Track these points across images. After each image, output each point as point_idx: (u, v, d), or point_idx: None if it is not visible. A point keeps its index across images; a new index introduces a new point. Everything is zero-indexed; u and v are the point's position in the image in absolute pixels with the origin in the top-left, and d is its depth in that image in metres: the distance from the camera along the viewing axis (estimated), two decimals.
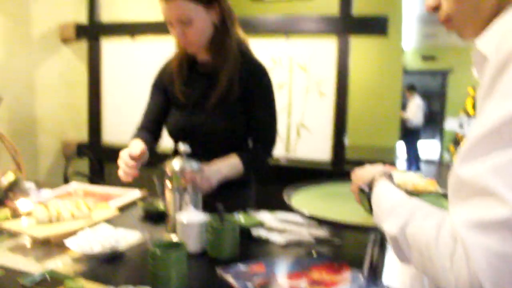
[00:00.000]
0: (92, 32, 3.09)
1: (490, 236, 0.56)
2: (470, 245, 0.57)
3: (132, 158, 1.40)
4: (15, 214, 1.45)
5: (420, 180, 1.22)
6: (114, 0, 3.50)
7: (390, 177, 0.96)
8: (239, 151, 1.54)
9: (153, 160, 1.56)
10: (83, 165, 3.22)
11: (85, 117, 3.22)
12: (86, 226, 1.32)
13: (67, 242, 1.21)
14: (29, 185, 1.88)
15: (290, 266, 1.10)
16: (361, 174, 1.02)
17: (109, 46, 3.07)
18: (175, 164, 1.31)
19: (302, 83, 2.45)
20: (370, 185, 0.94)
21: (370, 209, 0.93)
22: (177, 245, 1.00)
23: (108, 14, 3.24)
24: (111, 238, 1.22)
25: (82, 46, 3.19)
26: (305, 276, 1.03)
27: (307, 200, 1.30)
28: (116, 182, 3.05)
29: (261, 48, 2.51)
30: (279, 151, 2.54)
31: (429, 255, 0.64)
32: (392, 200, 0.82)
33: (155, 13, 3.48)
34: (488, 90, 0.63)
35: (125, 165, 1.41)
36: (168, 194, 1.34)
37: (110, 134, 3.13)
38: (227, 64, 1.50)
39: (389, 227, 0.75)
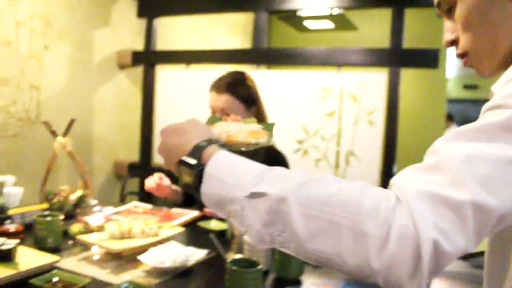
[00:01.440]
0: (148, 59, 3.26)
1: (439, 211, 0.54)
2: (418, 212, 0.54)
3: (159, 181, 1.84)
4: (87, 228, 1.56)
5: (241, 128, 0.83)
6: (170, 30, 3.69)
7: (218, 144, 0.76)
8: None
9: None
10: (134, 185, 3.35)
11: (137, 139, 3.38)
12: (157, 242, 1.41)
13: (140, 256, 1.30)
14: (94, 202, 2.00)
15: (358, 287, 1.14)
16: (176, 138, 0.77)
17: (163, 72, 3.24)
18: None
19: (352, 112, 2.52)
20: (197, 155, 0.71)
21: (194, 184, 0.70)
22: (252, 263, 1.06)
23: (163, 43, 3.43)
24: (180, 254, 1.30)
25: (137, 72, 3.37)
26: None
27: None
28: (166, 203, 3.16)
29: (311, 78, 2.60)
30: None
31: (344, 212, 0.57)
32: (256, 167, 0.67)
33: (208, 43, 3.65)
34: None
35: (152, 180, 1.84)
36: None
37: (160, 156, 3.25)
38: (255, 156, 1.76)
39: (271, 189, 0.62)
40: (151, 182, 1.82)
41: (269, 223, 0.61)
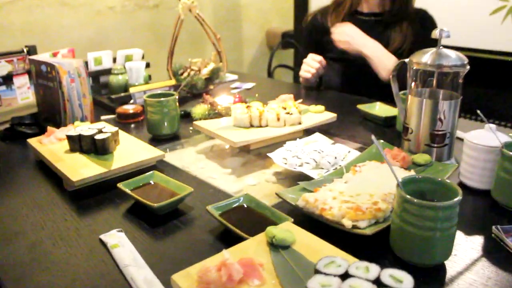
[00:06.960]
0: None
1: None
2: None
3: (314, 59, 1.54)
4: (212, 111, 1.23)
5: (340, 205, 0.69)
6: None
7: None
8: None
9: None
10: (287, 56, 2.96)
11: (290, 5, 2.91)
12: (296, 133, 1.01)
13: (272, 154, 0.93)
14: (231, 77, 1.67)
15: None
16: None
17: None
18: None
19: None
20: None
21: None
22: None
23: None
24: (328, 152, 0.89)
25: None
26: None
27: None
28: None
29: None
30: None
31: None
32: None
33: None
34: None
35: (307, 64, 1.53)
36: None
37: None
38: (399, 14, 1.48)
39: None
40: (314, 64, 1.52)
41: None
